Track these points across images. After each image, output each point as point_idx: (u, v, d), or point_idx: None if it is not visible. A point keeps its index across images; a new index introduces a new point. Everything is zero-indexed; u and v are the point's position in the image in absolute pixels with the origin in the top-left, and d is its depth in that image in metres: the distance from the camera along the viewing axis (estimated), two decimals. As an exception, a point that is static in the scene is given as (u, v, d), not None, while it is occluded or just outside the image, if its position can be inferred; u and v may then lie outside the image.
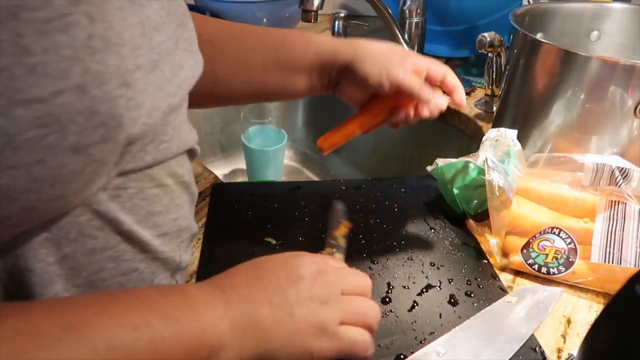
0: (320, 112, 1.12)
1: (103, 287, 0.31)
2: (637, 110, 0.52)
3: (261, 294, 0.32)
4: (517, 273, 0.50)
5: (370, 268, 0.49)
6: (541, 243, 0.49)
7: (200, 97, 0.40)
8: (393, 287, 0.47)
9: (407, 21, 0.90)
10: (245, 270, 0.34)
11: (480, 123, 0.78)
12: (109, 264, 0.31)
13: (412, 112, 0.49)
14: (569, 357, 0.41)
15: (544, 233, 0.49)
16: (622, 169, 0.48)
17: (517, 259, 0.49)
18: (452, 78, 0.49)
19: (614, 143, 0.55)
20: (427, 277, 0.48)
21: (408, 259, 0.51)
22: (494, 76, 0.74)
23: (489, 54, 0.72)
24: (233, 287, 0.32)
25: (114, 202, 0.30)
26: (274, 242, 0.52)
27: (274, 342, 0.31)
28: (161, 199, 0.33)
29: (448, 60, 1.02)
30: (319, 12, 0.78)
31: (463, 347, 0.39)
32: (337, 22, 1.05)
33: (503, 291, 0.47)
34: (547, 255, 0.48)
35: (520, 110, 0.63)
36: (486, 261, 0.51)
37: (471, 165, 0.55)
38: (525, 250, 0.49)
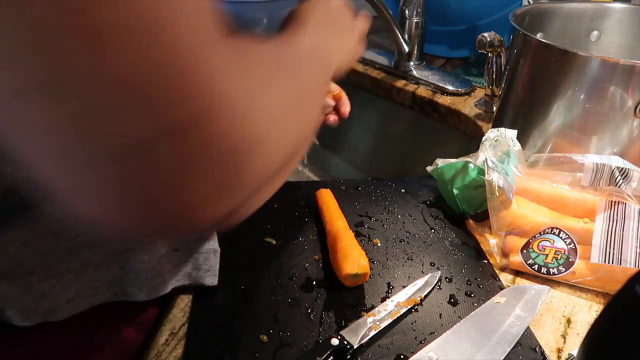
0: (320, 112, 1.12)
1: None
2: (637, 110, 0.52)
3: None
4: (517, 273, 0.50)
5: (370, 268, 0.49)
6: (541, 243, 0.49)
7: None
8: (393, 287, 0.47)
9: (407, 21, 0.90)
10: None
11: (480, 123, 0.78)
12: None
13: None
14: (569, 357, 0.41)
15: (543, 233, 0.49)
16: (622, 169, 0.48)
17: (517, 259, 0.49)
18: (344, 95, 0.60)
19: (614, 143, 0.55)
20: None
21: (408, 259, 0.51)
22: (494, 76, 0.74)
23: (489, 54, 0.72)
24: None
25: None
26: (274, 242, 0.52)
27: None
28: None
29: (448, 60, 1.02)
30: (319, 12, 0.78)
31: (455, 351, 0.39)
32: (337, 22, 1.05)
33: (503, 291, 0.47)
34: (547, 255, 0.48)
35: (520, 110, 0.63)
36: (486, 261, 0.51)
37: (471, 166, 0.55)
38: (525, 251, 0.49)
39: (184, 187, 0.20)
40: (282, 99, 0.25)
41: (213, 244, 0.42)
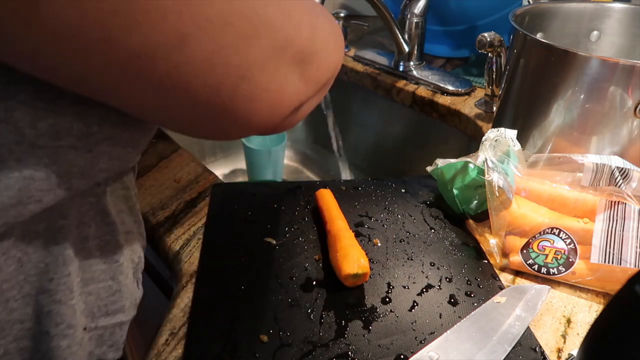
0: (321, 112, 1.12)
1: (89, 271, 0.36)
2: (637, 110, 0.52)
3: None
4: (517, 273, 0.50)
5: (370, 268, 0.49)
6: (541, 243, 0.49)
7: None
8: (393, 287, 0.47)
9: (407, 21, 0.90)
10: None
11: (480, 123, 0.78)
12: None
13: None
14: (569, 357, 0.41)
15: (543, 233, 0.49)
16: (622, 169, 0.48)
17: (517, 259, 0.49)
18: None
19: (614, 143, 0.55)
20: (427, 277, 0.48)
21: (408, 259, 0.51)
22: (494, 76, 0.74)
23: (489, 54, 0.72)
24: None
25: (105, 197, 0.35)
26: (274, 242, 0.52)
27: None
28: (127, 200, 0.39)
29: (448, 60, 1.02)
30: (319, 12, 0.78)
31: (455, 350, 0.39)
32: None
33: (503, 291, 0.47)
34: (547, 255, 0.48)
35: (520, 110, 0.63)
36: (486, 261, 0.51)
37: (471, 166, 0.55)
38: (525, 251, 0.49)
39: (288, 81, 0.28)
40: (325, 27, 0.32)
41: (121, 317, 0.40)
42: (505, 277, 0.50)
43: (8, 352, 0.33)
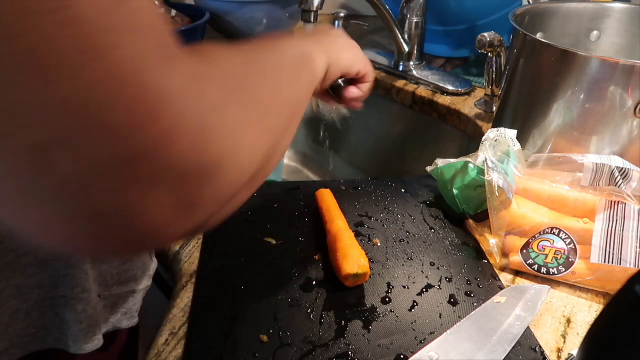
0: (321, 112, 1.12)
1: None
2: (637, 110, 0.52)
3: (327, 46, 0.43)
4: (517, 273, 0.50)
5: (370, 268, 0.49)
6: (541, 243, 0.49)
7: None
8: (393, 287, 0.47)
9: (407, 21, 0.90)
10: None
11: (480, 123, 0.78)
12: None
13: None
14: (569, 357, 0.41)
15: (543, 233, 0.49)
16: (622, 169, 0.48)
17: (517, 259, 0.49)
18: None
19: (614, 143, 0.55)
20: (427, 277, 0.48)
21: (408, 259, 0.51)
22: (494, 76, 0.74)
23: (489, 54, 0.72)
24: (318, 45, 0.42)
25: None
26: (274, 242, 0.52)
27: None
28: None
29: (448, 60, 1.02)
30: (319, 12, 0.78)
31: (456, 350, 0.39)
32: (337, 22, 1.05)
33: (503, 291, 0.47)
34: (547, 255, 0.48)
35: (520, 110, 0.63)
36: (486, 261, 0.51)
37: (471, 166, 0.55)
38: (525, 251, 0.49)
39: (149, 209, 0.19)
40: (252, 106, 0.24)
41: (132, 285, 0.41)
42: (505, 277, 0.50)
43: (30, 315, 0.34)
